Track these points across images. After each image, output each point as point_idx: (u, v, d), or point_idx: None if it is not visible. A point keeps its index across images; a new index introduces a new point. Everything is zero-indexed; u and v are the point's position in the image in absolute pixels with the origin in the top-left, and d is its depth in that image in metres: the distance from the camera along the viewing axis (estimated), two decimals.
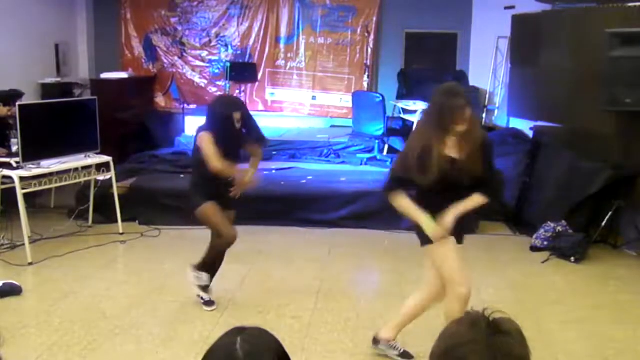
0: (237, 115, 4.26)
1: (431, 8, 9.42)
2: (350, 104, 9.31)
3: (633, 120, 5.58)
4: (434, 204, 3.30)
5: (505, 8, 8.16)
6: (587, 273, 5.27)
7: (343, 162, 8.02)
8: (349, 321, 4.21)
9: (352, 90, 9.63)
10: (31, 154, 5.32)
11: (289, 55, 10.06)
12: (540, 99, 6.99)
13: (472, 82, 9.41)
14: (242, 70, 9.50)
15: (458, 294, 3.34)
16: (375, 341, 3.74)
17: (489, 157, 3.38)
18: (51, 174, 5.50)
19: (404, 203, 3.39)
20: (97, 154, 5.94)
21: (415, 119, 7.64)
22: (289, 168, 7.61)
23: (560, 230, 5.72)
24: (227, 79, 9.12)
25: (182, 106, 9.57)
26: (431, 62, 9.86)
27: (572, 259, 5.46)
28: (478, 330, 1.28)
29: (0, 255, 5.35)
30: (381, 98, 8.16)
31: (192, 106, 9.88)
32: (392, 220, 6.37)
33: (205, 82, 10.23)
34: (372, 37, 9.83)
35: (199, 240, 5.97)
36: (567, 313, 4.43)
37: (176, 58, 10.21)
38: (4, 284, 4.53)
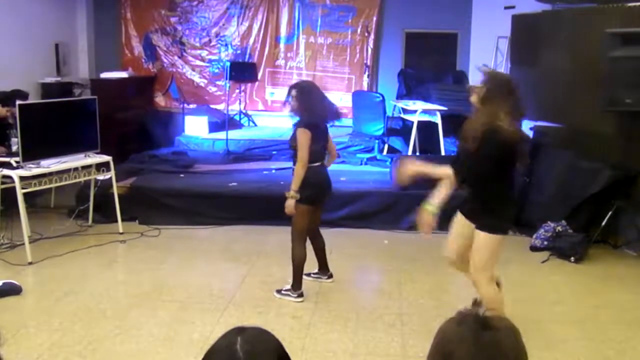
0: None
1: (431, 8, 9.42)
2: (350, 104, 9.30)
3: (633, 120, 5.58)
4: None
5: (505, 8, 8.16)
6: (587, 273, 5.27)
7: (343, 162, 8.02)
8: (349, 321, 4.20)
9: (352, 90, 9.64)
10: (31, 153, 5.32)
11: (288, 54, 10.07)
12: (541, 99, 6.98)
13: (472, 82, 9.40)
14: (242, 70, 9.49)
15: None
16: None
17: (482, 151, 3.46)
18: (51, 174, 5.50)
19: None
20: (97, 153, 5.94)
21: (415, 118, 7.64)
22: (289, 168, 7.59)
23: (560, 230, 5.72)
24: (227, 78, 9.12)
25: (181, 106, 9.57)
26: (431, 62, 9.86)
27: (572, 258, 5.46)
28: (466, 327, 1.32)
29: (0, 255, 5.35)
30: (381, 98, 8.16)
31: (192, 106, 9.89)
32: (392, 220, 6.39)
33: (205, 81, 10.24)
34: (372, 37, 9.83)
35: (198, 240, 5.99)
36: (567, 313, 4.44)
37: (176, 57, 10.22)
38: (3, 283, 4.53)
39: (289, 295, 4.55)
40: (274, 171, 7.46)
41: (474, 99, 3.57)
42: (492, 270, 3.68)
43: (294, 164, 4.49)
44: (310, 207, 4.48)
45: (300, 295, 4.54)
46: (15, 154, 5.45)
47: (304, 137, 4.35)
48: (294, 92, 4.45)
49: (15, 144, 5.56)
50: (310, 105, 4.45)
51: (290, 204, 4.39)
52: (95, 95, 6.84)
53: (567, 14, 6.78)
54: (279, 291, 4.61)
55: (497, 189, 3.57)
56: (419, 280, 4.99)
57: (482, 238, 3.56)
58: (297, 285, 4.55)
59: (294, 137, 4.43)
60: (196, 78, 10.24)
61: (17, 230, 5.48)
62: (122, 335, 3.94)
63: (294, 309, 4.39)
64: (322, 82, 9.91)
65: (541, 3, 7.07)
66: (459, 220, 3.76)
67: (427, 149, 7.83)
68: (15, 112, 5.22)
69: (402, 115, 8.44)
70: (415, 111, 7.68)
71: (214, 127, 9.05)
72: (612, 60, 5.30)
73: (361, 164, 7.94)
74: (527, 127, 7.42)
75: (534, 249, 5.76)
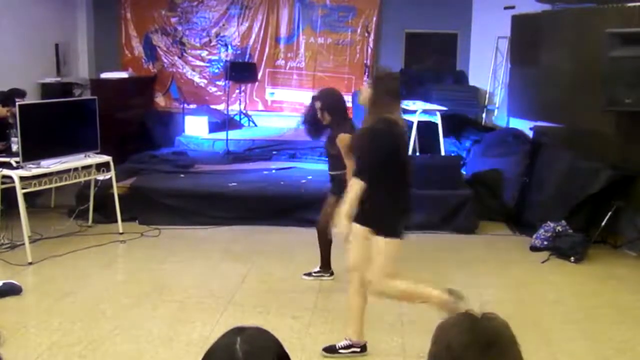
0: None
1: (431, 8, 9.42)
2: (350, 104, 9.30)
3: (633, 120, 5.58)
4: None
5: (505, 8, 8.17)
6: (587, 273, 5.27)
7: None
8: (349, 321, 4.19)
9: (352, 90, 9.63)
10: (31, 153, 5.32)
11: (288, 55, 10.07)
12: (540, 99, 6.99)
13: (472, 82, 9.41)
14: (242, 70, 9.50)
15: None
16: None
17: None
18: (51, 174, 5.50)
19: None
20: (97, 153, 5.94)
21: (415, 119, 7.63)
22: (289, 168, 7.61)
23: (560, 230, 5.72)
24: (227, 78, 9.13)
25: (182, 106, 9.58)
26: (431, 62, 9.87)
27: (572, 259, 5.46)
28: (462, 318, 1.37)
29: (0, 255, 5.35)
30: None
31: (192, 106, 9.89)
32: None
33: (205, 81, 10.24)
34: (372, 37, 9.83)
35: (198, 240, 5.99)
36: (567, 313, 4.43)
37: (176, 58, 10.22)
38: (3, 283, 4.53)
39: (322, 275, 4.94)
40: (274, 171, 7.46)
41: (361, 100, 3.67)
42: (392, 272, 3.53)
43: (331, 170, 4.69)
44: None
45: (332, 273, 4.97)
46: (16, 154, 5.45)
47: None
48: (319, 105, 4.59)
49: (15, 143, 5.56)
50: (344, 112, 4.68)
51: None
52: (95, 95, 6.84)
53: (567, 14, 6.78)
54: (308, 274, 4.96)
55: (387, 190, 3.46)
56: (419, 281, 4.97)
57: (380, 244, 3.46)
58: (327, 266, 4.97)
59: (332, 142, 4.53)
60: (196, 78, 10.24)
61: (17, 230, 5.47)
62: (122, 335, 3.94)
63: (294, 309, 4.39)
64: (322, 82, 9.92)
65: (541, 3, 7.08)
66: (356, 232, 3.52)
67: (427, 149, 7.83)
68: (15, 112, 5.22)
69: (402, 116, 8.43)
70: (415, 111, 7.67)
71: (214, 127, 9.05)
72: (612, 60, 5.30)
73: None
74: (527, 127, 7.44)
75: (534, 249, 5.76)
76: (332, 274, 4.98)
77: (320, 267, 4.96)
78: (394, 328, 4.12)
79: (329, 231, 4.59)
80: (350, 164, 4.40)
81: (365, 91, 3.59)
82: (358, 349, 3.71)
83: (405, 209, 3.59)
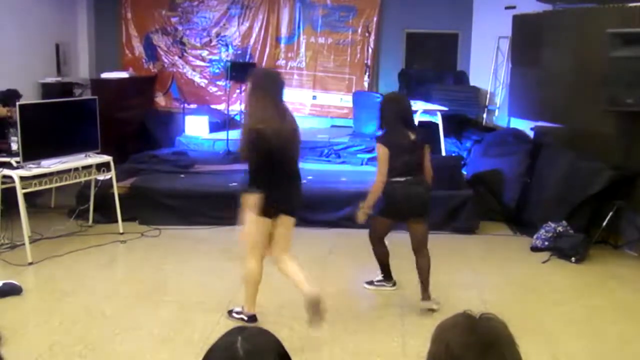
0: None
1: (432, 8, 9.42)
2: (350, 104, 9.31)
3: (634, 120, 5.58)
4: None
5: (506, 8, 8.17)
6: (588, 273, 5.27)
7: (343, 162, 8.03)
8: (349, 321, 4.20)
9: (353, 90, 9.63)
10: (31, 153, 5.32)
11: (289, 55, 10.07)
12: (541, 99, 6.99)
13: (473, 82, 9.41)
14: (243, 70, 9.47)
15: None
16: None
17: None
18: (51, 174, 5.50)
19: None
20: (97, 153, 5.94)
21: (415, 119, 7.64)
22: None
23: (561, 230, 5.72)
24: (228, 78, 9.13)
25: (182, 106, 9.58)
26: (432, 62, 9.87)
27: (573, 259, 5.46)
28: (461, 318, 1.38)
29: (0, 255, 5.35)
30: (382, 98, 8.15)
31: (193, 106, 9.89)
32: None
33: (206, 81, 10.24)
34: (372, 37, 9.83)
35: (199, 240, 5.99)
36: (568, 313, 4.43)
37: (176, 58, 10.22)
38: (4, 283, 4.53)
39: (383, 285, 4.79)
40: None
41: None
42: (259, 249, 4.04)
43: None
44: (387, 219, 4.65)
45: (394, 284, 4.80)
46: (16, 154, 5.45)
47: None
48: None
49: (15, 142, 5.56)
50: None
51: None
52: (95, 95, 6.83)
53: (567, 14, 6.79)
54: (370, 282, 4.80)
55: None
56: (419, 281, 4.97)
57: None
58: (388, 277, 4.80)
59: None
60: (197, 78, 10.24)
61: (17, 230, 5.47)
62: (122, 335, 3.94)
63: (294, 309, 4.39)
64: (323, 83, 9.94)
65: (542, 3, 7.08)
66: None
67: None
68: (15, 112, 5.21)
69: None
70: (415, 111, 7.68)
71: (215, 127, 9.05)
72: (612, 60, 5.30)
73: (362, 164, 7.93)
74: (528, 127, 7.44)
75: (534, 249, 5.76)
76: (394, 284, 4.84)
77: (382, 277, 4.87)
78: (394, 328, 4.12)
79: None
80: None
81: (246, 87, 3.69)
82: (246, 318, 4.03)
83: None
